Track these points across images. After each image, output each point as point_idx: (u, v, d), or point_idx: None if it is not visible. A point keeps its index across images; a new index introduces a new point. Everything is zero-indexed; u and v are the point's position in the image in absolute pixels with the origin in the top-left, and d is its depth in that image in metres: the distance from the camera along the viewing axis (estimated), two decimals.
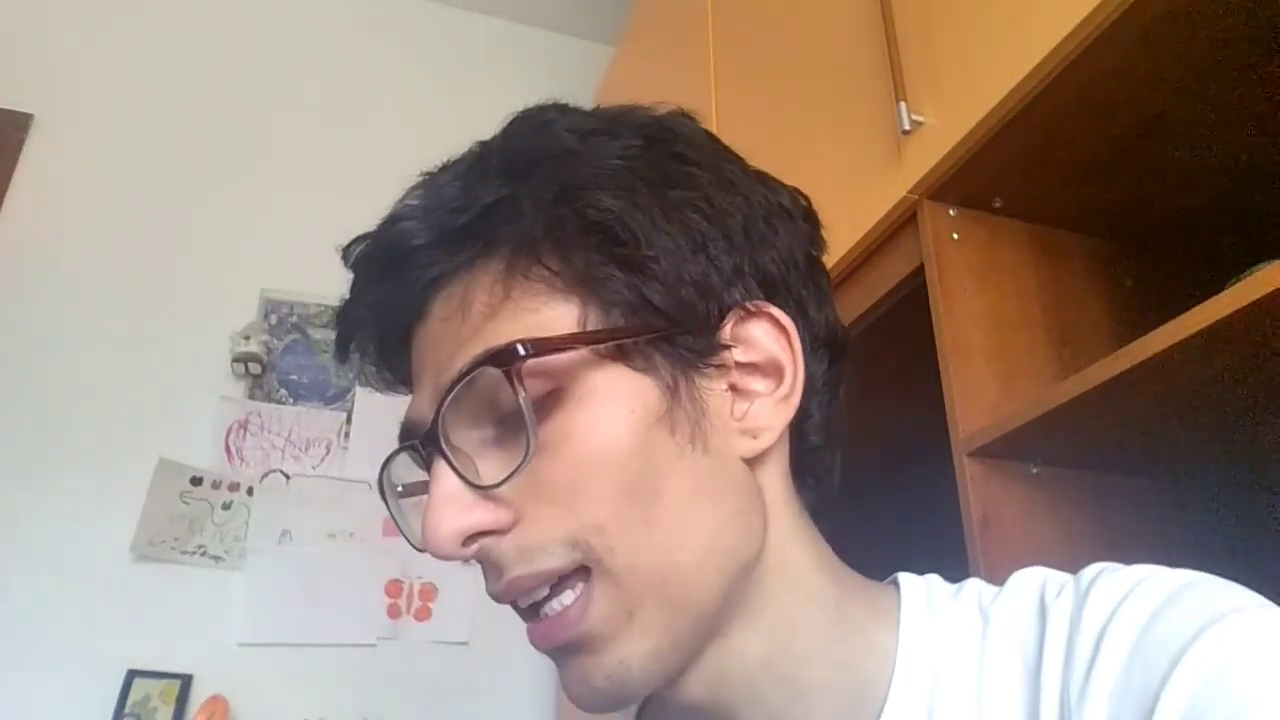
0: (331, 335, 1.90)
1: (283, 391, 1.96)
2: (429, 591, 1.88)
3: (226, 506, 1.82)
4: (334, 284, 1.94)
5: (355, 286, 0.44)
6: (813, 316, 0.43)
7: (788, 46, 1.26)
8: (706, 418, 0.39)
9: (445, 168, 0.44)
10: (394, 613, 1.84)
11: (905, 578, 0.44)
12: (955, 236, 0.89)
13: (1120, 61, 0.74)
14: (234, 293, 1.99)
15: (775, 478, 0.42)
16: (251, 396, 1.93)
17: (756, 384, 0.41)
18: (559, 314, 0.38)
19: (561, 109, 0.44)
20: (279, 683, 1.71)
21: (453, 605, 1.88)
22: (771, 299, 0.41)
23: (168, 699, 1.63)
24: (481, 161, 0.42)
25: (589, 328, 0.37)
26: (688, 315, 0.39)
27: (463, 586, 1.90)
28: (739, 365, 0.41)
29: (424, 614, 1.86)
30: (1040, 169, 0.87)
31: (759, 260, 0.42)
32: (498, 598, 0.38)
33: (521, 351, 0.35)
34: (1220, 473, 0.83)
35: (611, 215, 0.38)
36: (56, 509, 1.70)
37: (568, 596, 0.37)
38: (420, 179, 0.44)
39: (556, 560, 0.36)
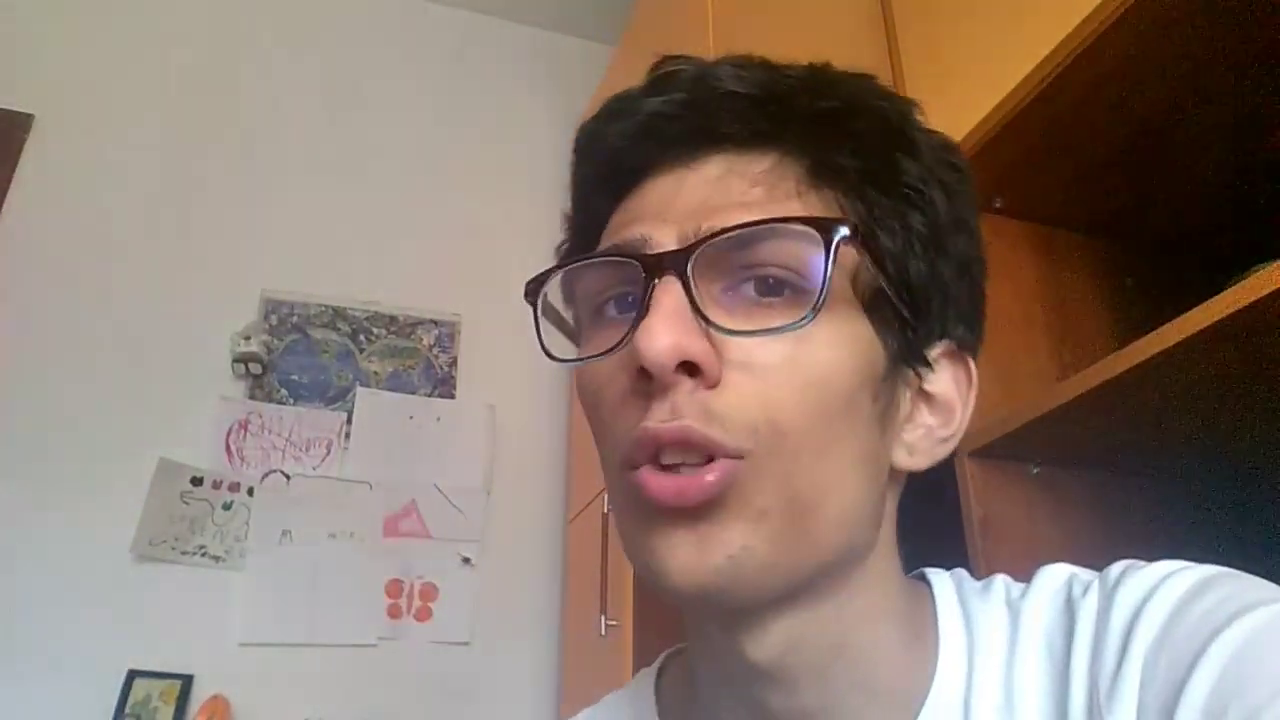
0: (331, 335, 1.90)
1: (283, 391, 1.96)
2: (429, 591, 1.88)
3: (227, 507, 1.82)
4: (334, 284, 1.94)
5: (641, 96, 0.41)
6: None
7: (788, 47, 1.26)
8: (893, 410, 0.40)
9: (776, 65, 0.42)
10: (394, 613, 1.84)
11: (934, 574, 0.45)
12: None
13: (1120, 62, 0.74)
14: (234, 293, 1.99)
15: (896, 497, 0.43)
16: (252, 396, 1.93)
17: (926, 414, 0.42)
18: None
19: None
20: (279, 683, 1.71)
21: (453, 605, 1.88)
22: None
23: (168, 699, 1.63)
24: (825, 74, 0.42)
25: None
26: (922, 315, 0.40)
27: (463, 586, 1.90)
28: (921, 390, 0.41)
29: (424, 614, 1.86)
30: (1040, 169, 0.87)
31: (977, 316, 0.44)
32: (656, 437, 0.35)
33: (847, 231, 0.35)
34: (1220, 473, 0.83)
35: (927, 186, 0.40)
36: (56, 509, 1.70)
37: (717, 467, 0.35)
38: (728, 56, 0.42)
39: (731, 438, 0.35)
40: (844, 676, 0.39)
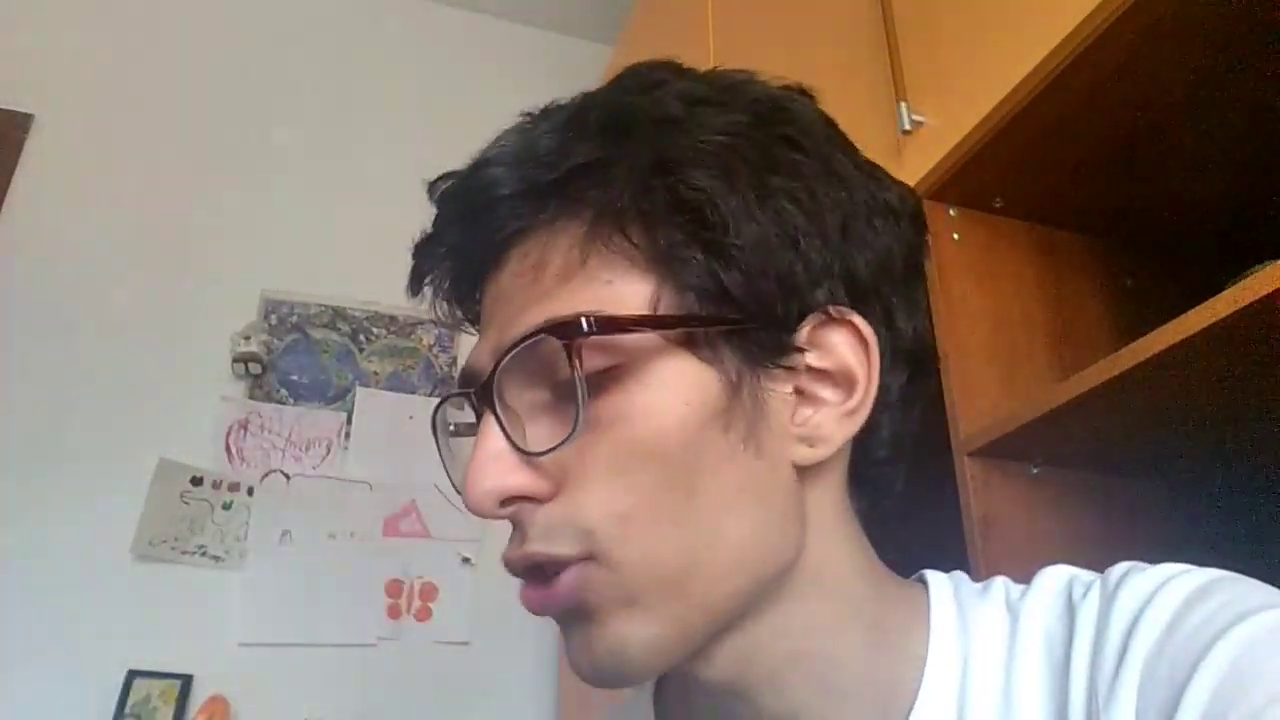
0: (331, 335, 1.89)
1: (283, 391, 1.96)
2: (429, 591, 1.88)
3: (227, 506, 1.82)
4: (334, 284, 1.94)
5: (437, 223, 0.43)
6: (900, 327, 0.41)
7: (788, 46, 1.26)
8: (765, 420, 0.37)
9: (545, 114, 0.42)
10: (394, 613, 1.84)
11: (933, 576, 0.44)
12: (955, 237, 0.89)
13: (1120, 62, 0.74)
14: (234, 293, 1.99)
15: (829, 487, 0.41)
16: (251, 396, 1.93)
17: (825, 392, 0.39)
18: (633, 290, 0.36)
19: (677, 70, 0.42)
20: (279, 683, 1.71)
21: (453, 605, 1.88)
22: (857, 305, 0.39)
23: (168, 699, 1.63)
24: (580, 115, 0.40)
25: (661, 309, 0.36)
26: (765, 311, 0.37)
27: (463, 586, 1.90)
28: (810, 370, 0.39)
29: (424, 614, 1.86)
30: (1040, 169, 0.87)
31: (852, 262, 0.39)
32: (509, 565, 0.38)
33: (585, 327, 0.35)
34: (1220, 473, 0.83)
35: (703, 196, 0.36)
36: (56, 509, 1.70)
37: (569, 575, 0.36)
38: (518, 121, 0.42)
39: (568, 548, 0.36)
40: (804, 684, 0.39)
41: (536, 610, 0.38)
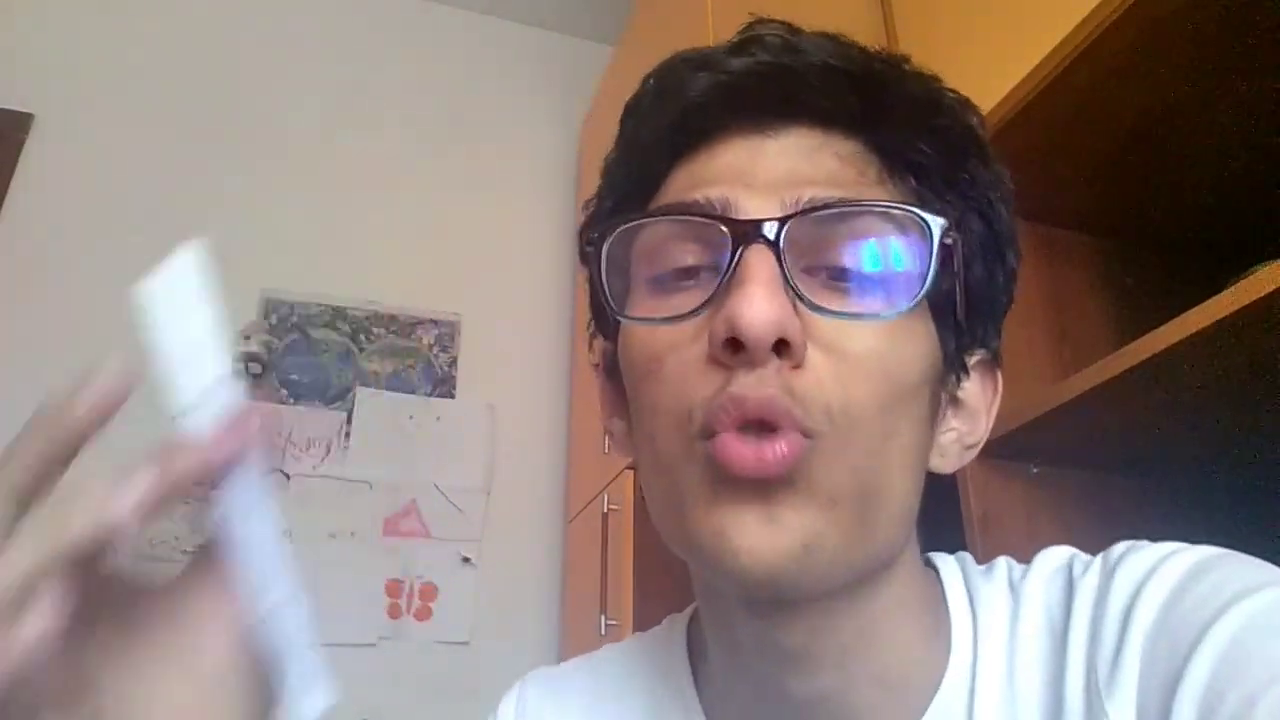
0: (332, 335, 1.88)
1: (283, 391, 1.96)
2: (429, 591, 1.88)
3: None
4: (334, 284, 1.93)
5: (735, 52, 0.39)
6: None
7: None
8: (938, 410, 0.40)
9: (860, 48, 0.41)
10: (394, 612, 1.84)
11: (940, 559, 0.45)
12: None
13: (1120, 62, 0.74)
14: (234, 293, 1.98)
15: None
16: (252, 396, 1.93)
17: (954, 420, 0.42)
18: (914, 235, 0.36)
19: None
20: None
21: (453, 605, 1.88)
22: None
23: None
24: (906, 62, 0.41)
25: None
26: (972, 321, 0.40)
27: (463, 586, 1.90)
28: (953, 396, 0.41)
29: (424, 614, 1.86)
30: (1040, 169, 0.87)
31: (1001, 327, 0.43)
32: (742, 401, 0.33)
33: (949, 227, 0.35)
34: (1220, 473, 0.83)
35: (994, 194, 0.40)
36: None
37: (795, 438, 0.33)
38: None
39: (809, 417, 0.33)
40: (863, 666, 0.39)
41: (749, 467, 0.33)
